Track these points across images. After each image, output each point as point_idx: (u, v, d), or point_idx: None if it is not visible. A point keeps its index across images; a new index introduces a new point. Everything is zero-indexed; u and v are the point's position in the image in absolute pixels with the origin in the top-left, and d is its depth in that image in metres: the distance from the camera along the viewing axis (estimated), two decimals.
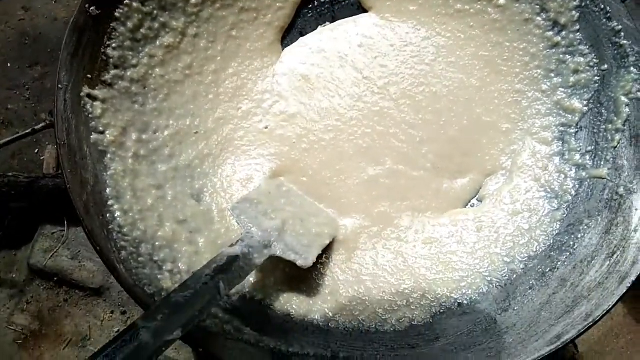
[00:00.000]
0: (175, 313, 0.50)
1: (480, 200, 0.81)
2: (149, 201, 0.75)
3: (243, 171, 0.83)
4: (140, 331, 0.46)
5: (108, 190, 0.71)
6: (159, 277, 0.68)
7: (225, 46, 0.88)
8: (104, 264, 0.64)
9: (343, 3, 0.91)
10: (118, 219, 0.70)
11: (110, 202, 0.70)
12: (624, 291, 0.64)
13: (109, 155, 0.74)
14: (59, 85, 0.70)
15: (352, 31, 0.87)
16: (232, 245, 0.62)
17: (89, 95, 0.74)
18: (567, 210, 0.76)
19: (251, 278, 0.74)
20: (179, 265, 0.71)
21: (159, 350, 0.47)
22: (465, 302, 0.74)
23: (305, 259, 0.67)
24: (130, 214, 0.71)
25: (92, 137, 0.73)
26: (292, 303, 0.73)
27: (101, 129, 0.75)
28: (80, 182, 0.68)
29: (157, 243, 0.72)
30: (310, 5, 0.91)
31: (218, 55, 0.88)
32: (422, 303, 0.74)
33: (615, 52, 0.75)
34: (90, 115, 0.74)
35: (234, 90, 0.87)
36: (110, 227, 0.68)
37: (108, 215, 0.69)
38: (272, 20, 0.89)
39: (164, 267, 0.70)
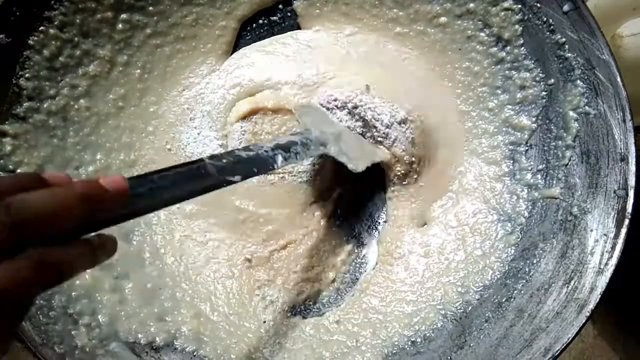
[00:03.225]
0: (237, 163, 0.53)
1: (425, 224, 0.76)
2: None
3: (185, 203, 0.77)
4: (206, 164, 0.49)
5: None
6: (72, 332, 0.61)
7: (164, 76, 0.83)
8: None
9: (282, 25, 0.87)
10: None
11: None
12: (583, 321, 0.60)
13: None
14: None
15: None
16: (292, 134, 0.65)
17: None
18: (521, 233, 0.71)
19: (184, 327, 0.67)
20: (99, 317, 0.64)
21: (219, 184, 0.49)
22: (418, 340, 0.69)
23: (355, 164, 0.68)
24: None
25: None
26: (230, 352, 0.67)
27: (11, 167, 0.68)
28: None
29: (73, 293, 0.65)
30: (249, 28, 0.86)
31: (158, 85, 0.82)
32: (372, 343, 0.68)
33: (561, 65, 0.72)
34: None
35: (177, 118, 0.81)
36: None
37: None
38: (212, 48, 0.84)
39: (80, 321, 0.63)
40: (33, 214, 0.33)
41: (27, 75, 0.72)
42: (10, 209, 0.32)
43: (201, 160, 0.49)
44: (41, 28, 0.72)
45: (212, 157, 0.50)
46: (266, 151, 0.58)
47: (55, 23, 0.73)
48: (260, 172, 0.57)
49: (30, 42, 0.72)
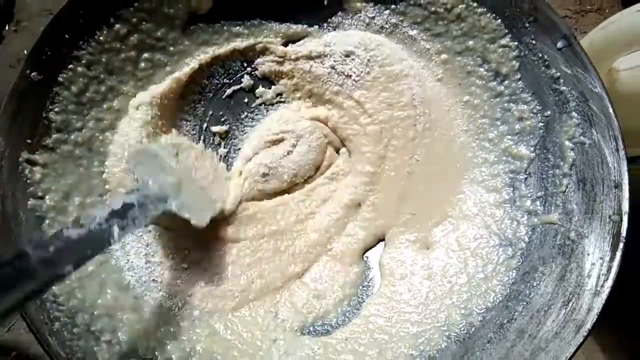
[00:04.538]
0: (68, 248, 0.48)
1: (427, 248, 0.79)
2: (89, 267, 0.72)
3: None
4: (30, 258, 0.44)
5: None
6: (95, 349, 0.64)
7: None
8: (34, 336, 0.60)
9: None
10: (53, 287, 0.66)
11: None
12: (581, 341, 0.62)
13: (47, 221, 0.72)
14: None
15: None
16: (127, 193, 0.61)
17: (27, 160, 0.72)
18: (521, 257, 0.74)
19: None
20: (119, 335, 0.68)
21: (47, 283, 0.45)
22: None
23: (200, 219, 0.65)
24: (68, 282, 0.68)
25: (29, 203, 0.71)
26: None
27: (40, 194, 0.73)
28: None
29: (95, 312, 0.68)
30: None
31: None
32: None
33: (556, 98, 0.76)
34: (28, 181, 0.72)
35: None
36: (44, 296, 0.65)
37: None
38: None
39: (102, 338, 0.66)
40: None
41: (56, 109, 0.77)
42: None
43: (21, 253, 0.43)
44: (70, 66, 0.78)
45: (35, 245, 0.45)
46: (100, 224, 0.53)
47: (83, 62, 0.79)
48: (96, 253, 0.52)
49: (60, 79, 0.77)
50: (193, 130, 0.87)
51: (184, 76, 0.85)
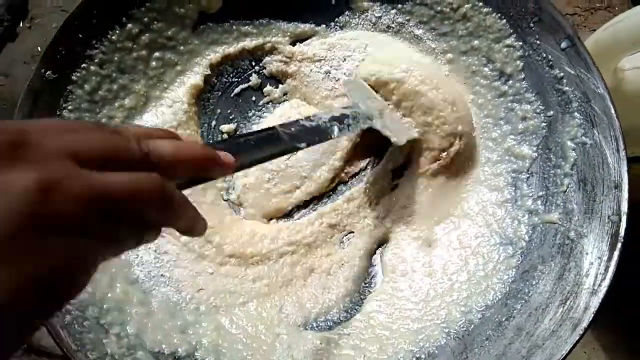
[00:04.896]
0: (302, 131, 0.60)
1: (429, 246, 0.80)
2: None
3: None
4: (279, 131, 0.56)
5: None
6: (104, 341, 0.66)
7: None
8: (46, 329, 0.63)
9: None
10: None
11: None
12: (577, 339, 0.63)
13: None
14: None
15: None
16: (345, 107, 0.73)
17: None
18: (521, 256, 0.75)
19: None
20: (127, 328, 0.70)
21: (290, 150, 0.57)
22: (422, 356, 0.72)
23: (398, 138, 0.75)
24: None
25: None
26: None
27: None
28: None
29: (105, 305, 0.71)
30: None
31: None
32: (379, 358, 0.72)
33: (559, 98, 0.76)
34: None
35: None
36: None
37: None
38: None
39: (111, 331, 0.68)
40: (162, 158, 0.38)
41: (69, 107, 0.79)
42: (150, 154, 0.37)
43: (274, 127, 0.56)
44: (83, 65, 0.80)
45: (282, 125, 0.57)
46: (324, 122, 0.65)
47: (96, 61, 0.81)
48: (321, 141, 0.64)
49: (74, 77, 0.79)
50: (202, 128, 0.89)
51: (200, 80, 0.88)
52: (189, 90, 0.87)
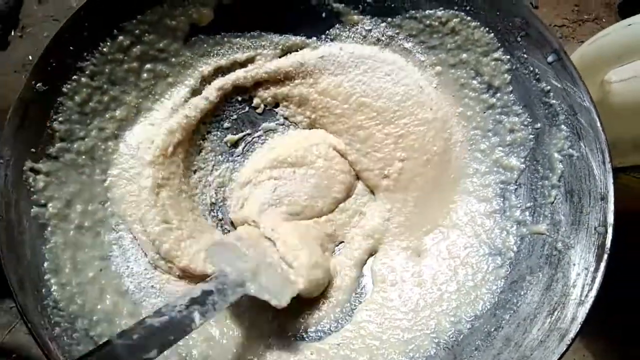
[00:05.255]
0: (151, 335, 0.51)
1: (418, 255, 0.81)
2: (89, 274, 0.74)
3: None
4: (116, 346, 0.47)
5: (46, 264, 0.71)
6: None
7: None
8: (35, 341, 0.62)
9: None
10: (54, 293, 0.69)
11: (47, 276, 0.70)
12: (564, 349, 0.64)
13: (49, 228, 0.74)
14: (0, 161, 0.71)
15: None
16: (206, 282, 0.64)
17: (31, 169, 0.75)
18: (510, 267, 0.76)
19: None
20: None
21: None
22: None
23: (279, 299, 0.68)
24: (68, 288, 0.71)
25: (32, 210, 0.73)
26: None
27: (43, 201, 0.75)
28: (17, 258, 0.68)
29: (95, 317, 0.71)
30: None
31: None
32: None
33: (546, 111, 0.78)
34: (32, 189, 0.74)
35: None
36: (45, 302, 0.68)
37: (44, 290, 0.69)
38: None
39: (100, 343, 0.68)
40: None
41: (60, 119, 0.79)
42: None
43: (109, 342, 0.47)
44: (74, 77, 0.80)
45: (121, 334, 0.49)
46: (180, 311, 0.56)
47: (87, 72, 0.81)
48: (177, 340, 0.55)
49: (64, 89, 0.79)
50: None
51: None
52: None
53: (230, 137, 0.90)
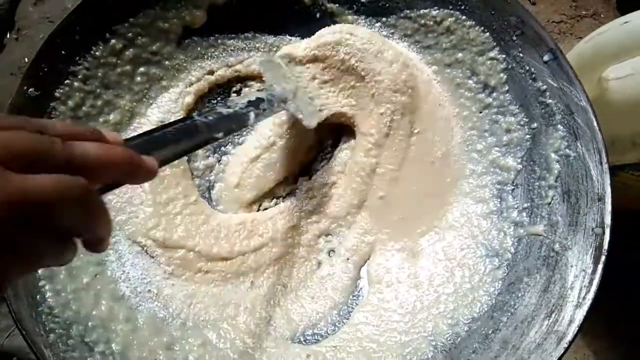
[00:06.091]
0: (220, 119, 0.59)
1: (414, 257, 0.80)
2: (84, 279, 0.74)
3: None
4: (196, 121, 0.54)
5: (40, 270, 0.70)
6: (88, 359, 0.66)
7: None
8: (29, 348, 0.62)
9: None
10: (49, 300, 0.69)
11: (41, 283, 0.69)
12: (562, 352, 0.63)
13: None
14: None
15: None
16: (259, 90, 0.74)
17: None
18: (507, 268, 0.76)
19: None
20: (113, 345, 0.69)
21: (208, 141, 0.56)
22: None
23: (309, 121, 0.76)
24: (63, 294, 0.70)
25: None
26: None
27: None
28: None
29: (90, 323, 0.70)
30: None
31: None
32: None
33: (543, 110, 0.77)
34: None
35: None
36: (39, 308, 0.67)
37: (38, 296, 0.68)
38: None
39: (96, 349, 0.68)
40: (87, 162, 0.37)
41: None
42: (74, 158, 0.36)
43: (192, 117, 0.55)
44: (66, 81, 0.80)
45: (199, 114, 0.56)
46: (241, 108, 0.64)
47: (80, 77, 0.81)
48: (238, 129, 0.65)
49: (57, 94, 0.79)
50: None
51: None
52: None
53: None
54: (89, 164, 0.37)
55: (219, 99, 0.90)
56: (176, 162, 0.75)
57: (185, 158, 0.85)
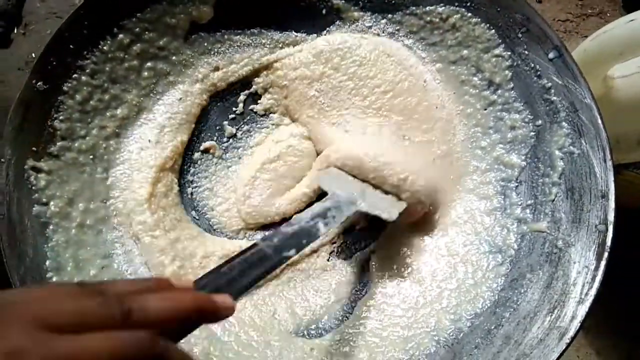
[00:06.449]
0: (287, 239, 0.57)
1: (417, 252, 0.81)
2: (91, 272, 0.74)
3: None
4: (262, 247, 0.53)
5: (48, 262, 0.71)
6: None
7: None
8: None
9: None
10: None
11: (49, 275, 0.70)
12: (564, 348, 0.64)
13: (51, 227, 0.74)
14: (2, 160, 0.72)
15: None
16: (323, 201, 0.69)
17: (33, 168, 0.75)
18: (510, 264, 0.76)
19: None
20: None
21: (279, 263, 0.54)
22: None
23: (389, 214, 0.72)
24: None
25: (34, 209, 0.74)
26: None
27: (45, 200, 0.75)
28: (18, 256, 0.68)
29: None
30: None
31: None
32: None
33: (547, 108, 0.77)
34: (33, 187, 0.74)
35: None
36: None
37: None
38: None
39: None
40: (150, 320, 0.35)
41: (60, 117, 0.79)
42: (132, 313, 0.34)
43: (256, 244, 0.53)
44: (74, 75, 0.80)
45: (263, 239, 0.55)
46: (307, 222, 0.62)
47: (87, 71, 0.81)
48: (309, 243, 0.61)
49: (65, 88, 0.80)
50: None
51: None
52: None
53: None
54: (150, 317, 0.35)
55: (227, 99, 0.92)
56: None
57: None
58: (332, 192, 0.72)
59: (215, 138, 0.90)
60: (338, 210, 0.68)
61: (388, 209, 0.74)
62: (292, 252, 0.56)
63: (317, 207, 0.67)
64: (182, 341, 0.69)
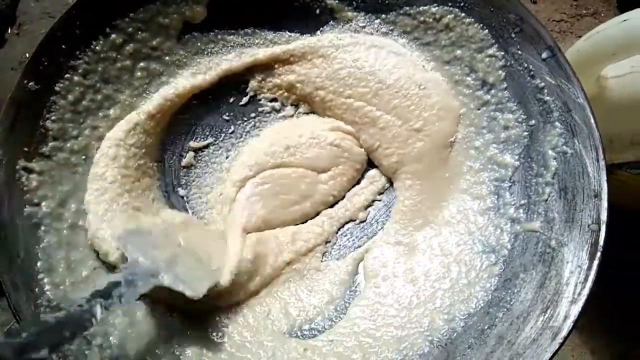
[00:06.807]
0: (43, 333, 0.48)
1: (410, 252, 0.81)
2: (83, 273, 0.74)
3: None
4: (1, 346, 0.44)
5: (39, 263, 0.71)
6: (86, 352, 0.66)
7: None
8: None
9: None
10: (47, 292, 0.69)
11: (40, 276, 0.70)
12: (557, 347, 0.64)
13: (42, 228, 0.74)
14: None
15: None
16: (115, 272, 0.62)
17: (24, 168, 0.75)
18: (504, 264, 0.76)
19: None
20: (110, 339, 0.69)
21: None
22: None
23: (195, 290, 0.65)
24: (62, 287, 0.70)
25: (25, 210, 0.73)
26: None
27: (36, 201, 0.75)
28: (10, 256, 0.68)
29: None
30: None
31: None
32: None
33: (541, 107, 0.77)
34: (25, 188, 0.74)
35: None
36: (38, 301, 0.68)
37: (37, 289, 0.68)
38: None
39: (94, 342, 0.68)
40: None
41: (53, 117, 0.79)
42: None
43: None
44: (67, 76, 0.80)
45: (9, 332, 0.48)
46: (80, 305, 0.53)
47: (80, 71, 0.81)
48: (73, 337, 0.51)
49: (57, 88, 0.79)
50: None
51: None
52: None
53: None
54: None
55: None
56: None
57: None
58: (133, 258, 0.63)
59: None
60: (131, 287, 0.59)
61: (197, 282, 0.66)
62: (44, 352, 0.45)
63: (102, 282, 0.58)
64: (174, 341, 0.70)
